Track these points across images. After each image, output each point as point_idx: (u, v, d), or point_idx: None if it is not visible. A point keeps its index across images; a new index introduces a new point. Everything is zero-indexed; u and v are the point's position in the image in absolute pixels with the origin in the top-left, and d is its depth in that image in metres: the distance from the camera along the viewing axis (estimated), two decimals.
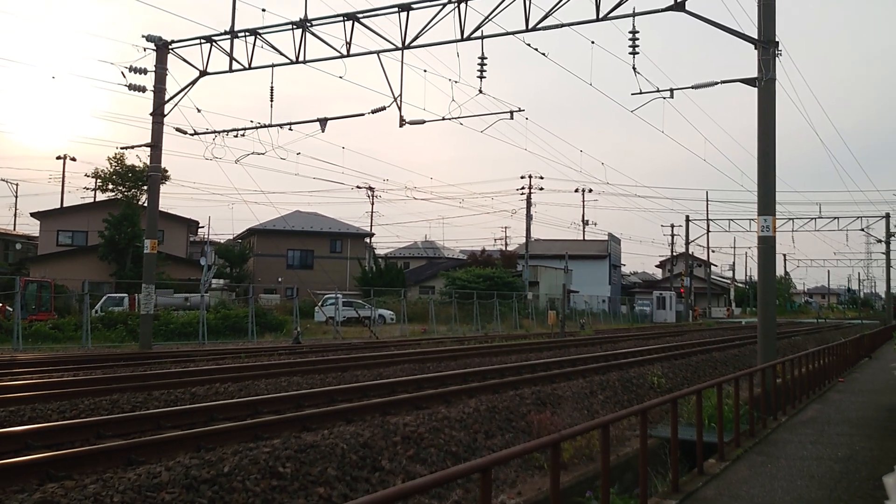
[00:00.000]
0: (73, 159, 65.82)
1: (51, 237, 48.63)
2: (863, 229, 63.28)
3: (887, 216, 60.98)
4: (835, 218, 60.19)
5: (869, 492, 7.66)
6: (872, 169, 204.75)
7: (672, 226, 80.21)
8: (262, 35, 22.28)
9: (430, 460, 9.57)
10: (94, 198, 56.60)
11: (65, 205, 58.21)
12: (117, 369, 17.50)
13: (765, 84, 15.50)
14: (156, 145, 25.09)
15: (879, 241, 65.43)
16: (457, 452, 10.08)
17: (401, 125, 21.60)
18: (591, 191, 74.77)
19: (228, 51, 22.85)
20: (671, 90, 17.72)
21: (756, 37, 15.69)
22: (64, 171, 65.04)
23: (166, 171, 44.98)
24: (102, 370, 17.17)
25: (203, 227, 58.34)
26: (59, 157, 65.43)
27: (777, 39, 15.68)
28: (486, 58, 19.67)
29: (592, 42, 20.19)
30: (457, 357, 22.14)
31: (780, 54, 15.99)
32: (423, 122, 22.09)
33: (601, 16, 17.84)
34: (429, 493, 8.37)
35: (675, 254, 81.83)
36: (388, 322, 43.03)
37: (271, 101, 23.54)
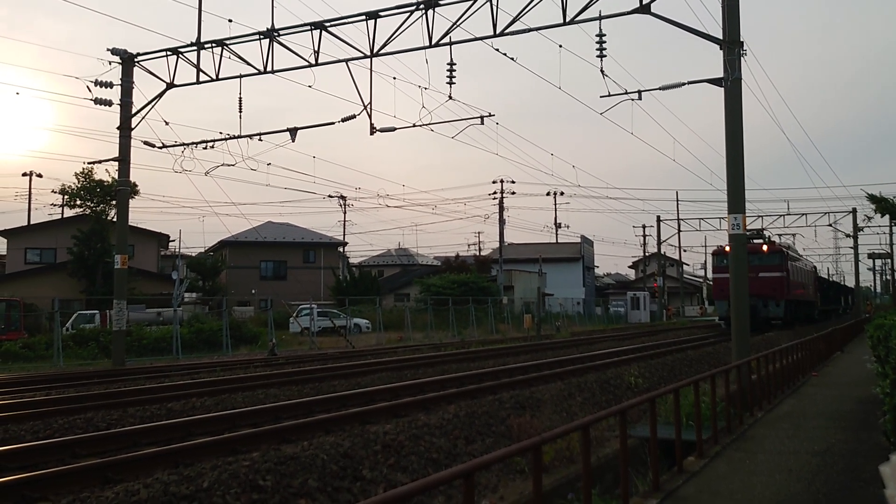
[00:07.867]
0: (40, 176, 64.99)
1: (19, 255, 47.89)
2: (830, 224, 64.19)
3: (854, 211, 61.76)
4: (803, 214, 60.84)
5: (846, 484, 7.74)
6: (839, 165, 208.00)
7: (644, 226, 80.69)
8: (229, 46, 22.15)
9: (411, 468, 9.53)
10: (62, 214, 55.79)
11: (32, 222, 57.34)
12: (91, 387, 17.26)
13: (731, 84, 15.68)
14: (124, 159, 24.83)
15: (847, 235, 66.20)
16: (438, 459, 10.05)
17: (371, 133, 21.61)
18: (562, 194, 75.13)
19: (195, 62, 22.71)
20: (639, 92, 17.88)
21: (721, 37, 15.87)
22: (30, 188, 64.23)
23: (135, 185, 44.39)
24: (75, 388, 16.93)
25: (174, 240, 57.68)
26: (24, 174, 64.55)
27: (742, 40, 15.87)
28: (455, 64, 19.73)
29: (560, 46, 20.27)
30: (434, 364, 22.11)
31: (745, 54, 16.19)
32: (394, 129, 22.09)
33: (568, 19, 17.95)
34: (411, 502, 8.31)
35: (647, 254, 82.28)
36: (363, 331, 42.89)
37: (240, 111, 23.34)
